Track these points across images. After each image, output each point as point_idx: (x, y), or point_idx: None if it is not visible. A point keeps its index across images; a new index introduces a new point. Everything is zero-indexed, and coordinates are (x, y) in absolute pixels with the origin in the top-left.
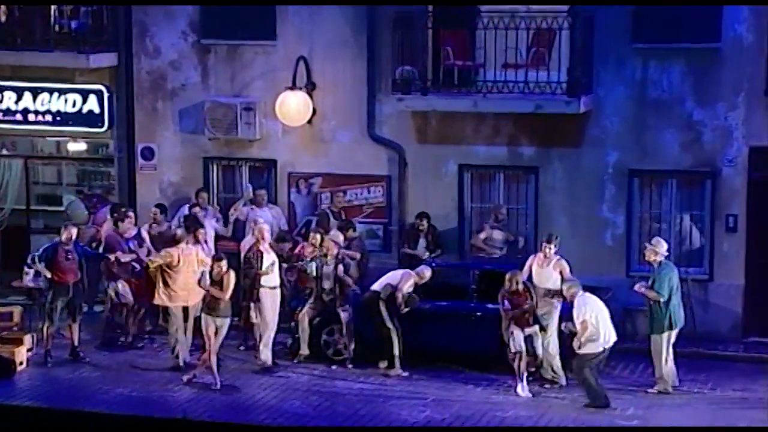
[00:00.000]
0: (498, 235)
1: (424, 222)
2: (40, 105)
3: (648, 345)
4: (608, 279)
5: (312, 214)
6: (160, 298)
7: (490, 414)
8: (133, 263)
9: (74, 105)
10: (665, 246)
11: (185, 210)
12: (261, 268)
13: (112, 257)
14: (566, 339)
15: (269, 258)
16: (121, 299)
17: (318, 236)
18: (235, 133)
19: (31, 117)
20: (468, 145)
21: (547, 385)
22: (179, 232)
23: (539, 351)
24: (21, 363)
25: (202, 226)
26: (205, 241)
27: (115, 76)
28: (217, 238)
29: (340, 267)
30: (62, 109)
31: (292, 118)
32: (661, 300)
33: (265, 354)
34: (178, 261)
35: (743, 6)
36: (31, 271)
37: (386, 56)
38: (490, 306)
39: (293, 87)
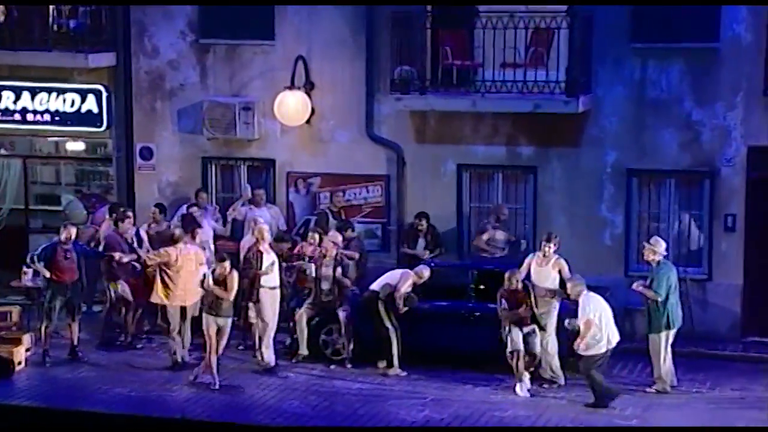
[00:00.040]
0: (500, 235)
1: (423, 222)
2: (39, 105)
3: (646, 345)
4: (607, 279)
5: (311, 214)
6: (159, 297)
7: (488, 414)
8: (134, 263)
9: (73, 105)
10: (664, 245)
11: (184, 210)
12: (260, 268)
13: (116, 255)
14: (565, 339)
15: (269, 258)
16: (122, 297)
17: (316, 236)
18: (233, 133)
19: (30, 117)
20: (467, 145)
21: (545, 385)
22: (177, 231)
23: (537, 350)
24: (19, 363)
25: (200, 226)
26: (205, 241)
27: (113, 76)
28: (216, 237)
29: (338, 268)
30: (61, 109)
31: (291, 118)
32: (659, 299)
33: (268, 355)
34: (176, 260)
35: (742, 6)
36: (30, 271)
37: (385, 56)
38: (488, 306)
39: (292, 87)
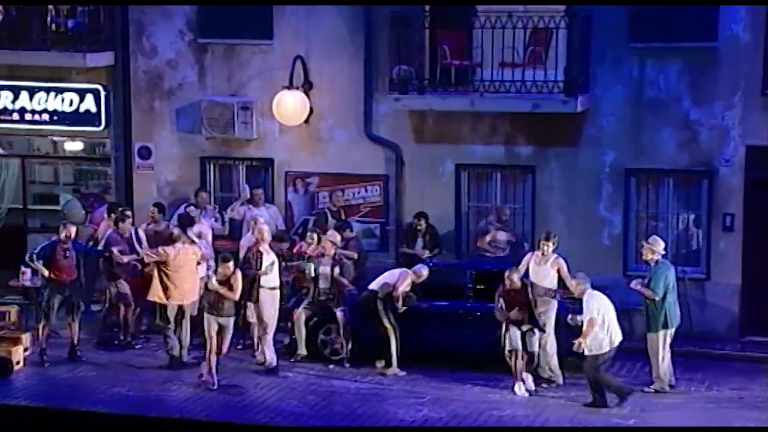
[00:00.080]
0: (502, 236)
1: (422, 222)
2: (37, 104)
3: (645, 344)
4: (605, 278)
5: (310, 214)
6: (157, 295)
7: (487, 413)
8: (134, 263)
9: (71, 104)
10: (662, 244)
11: (182, 210)
12: (260, 269)
13: (116, 254)
14: (564, 338)
15: (269, 258)
16: (123, 296)
17: (315, 236)
18: (232, 133)
19: (28, 116)
20: (465, 145)
21: (544, 384)
22: (176, 231)
23: (535, 348)
24: (18, 362)
25: (194, 223)
26: (204, 235)
27: (111, 76)
28: (215, 237)
29: (336, 267)
30: (59, 109)
31: (289, 118)
32: (656, 298)
33: (269, 355)
34: (174, 259)
35: (740, 6)
36: (28, 271)
37: (383, 56)
38: (487, 305)
39: (290, 86)
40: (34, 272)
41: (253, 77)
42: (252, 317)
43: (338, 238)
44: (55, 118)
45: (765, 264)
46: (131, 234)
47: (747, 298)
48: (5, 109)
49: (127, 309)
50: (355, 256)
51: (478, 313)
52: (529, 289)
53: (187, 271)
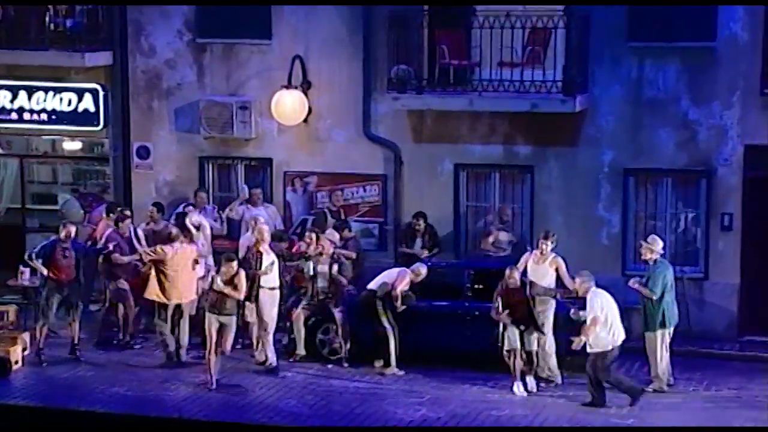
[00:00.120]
0: (504, 236)
1: (421, 222)
2: (36, 104)
3: (643, 343)
4: (604, 278)
5: (308, 213)
6: (154, 293)
7: (485, 413)
8: (135, 262)
9: (69, 104)
10: (661, 244)
11: (181, 209)
12: (260, 269)
13: (114, 254)
14: (563, 338)
15: (268, 258)
16: (123, 295)
17: (313, 235)
18: (230, 132)
19: (27, 116)
20: (464, 144)
21: (542, 384)
22: (174, 230)
23: (533, 348)
24: (16, 362)
25: (193, 224)
26: (203, 229)
27: (110, 75)
28: (213, 237)
29: (335, 266)
30: (57, 108)
31: (288, 117)
32: (654, 297)
33: (270, 355)
34: (172, 258)
35: (738, 5)
36: (27, 270)
37: (382, 55)
38: (486, 305)
39: (289, 86)
40: (33, 272)
41: (251, 77)
42: (251, 317)
43: (337, 237)
44: (54, 117)
45: (763, 263)
46: (130, 233)
47: (745, 297)
48: (4, 108)
49: (127, 308)
50: (354, 255)
51: (477, 313)
52: (528, 288)
53: (185, 270)
